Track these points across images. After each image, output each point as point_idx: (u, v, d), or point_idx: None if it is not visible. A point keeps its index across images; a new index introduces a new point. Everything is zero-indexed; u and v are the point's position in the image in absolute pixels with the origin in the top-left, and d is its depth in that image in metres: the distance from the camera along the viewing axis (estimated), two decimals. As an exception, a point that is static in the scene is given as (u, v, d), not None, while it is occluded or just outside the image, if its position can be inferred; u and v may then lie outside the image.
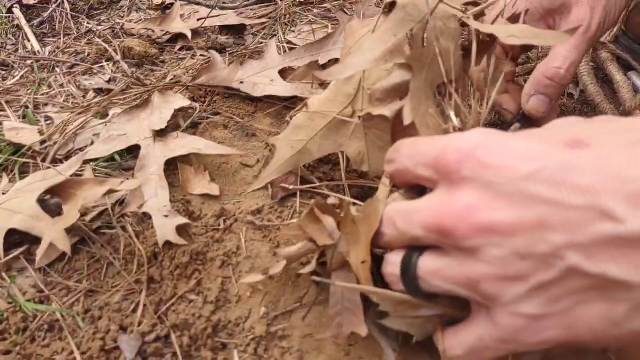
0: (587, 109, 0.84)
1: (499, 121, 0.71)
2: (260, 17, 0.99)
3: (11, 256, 0.58)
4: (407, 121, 0.48)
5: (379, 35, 0.49)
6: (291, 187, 0.64)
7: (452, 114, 0.45)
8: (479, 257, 0.34)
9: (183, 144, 0.69)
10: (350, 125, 0.59)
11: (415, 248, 0.40)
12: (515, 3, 0.66)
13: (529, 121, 0.67)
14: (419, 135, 0.48)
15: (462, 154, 0.36)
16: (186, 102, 0.73)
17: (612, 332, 0.32)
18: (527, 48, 0.74)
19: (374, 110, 0.54)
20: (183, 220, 0.60)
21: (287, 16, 0.99)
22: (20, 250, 0.59)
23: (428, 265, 0.39)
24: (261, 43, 0.91)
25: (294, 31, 0.95)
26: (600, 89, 0.83)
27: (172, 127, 0.74)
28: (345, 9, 1.01)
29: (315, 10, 1.01)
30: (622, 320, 0.31)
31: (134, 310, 0.55)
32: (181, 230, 0.60)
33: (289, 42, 0.91)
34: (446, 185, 0.38)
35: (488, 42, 0.54)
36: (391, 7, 0.50)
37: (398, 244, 0.42)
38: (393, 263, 0.42)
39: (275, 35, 0.95)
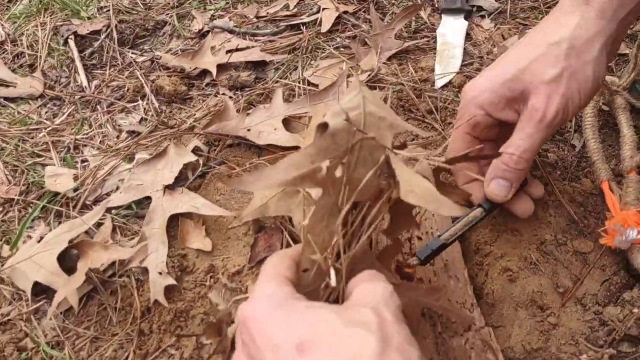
0: (585, 163, 0.84)
1: (467, 203, 0.73)
2: (284, 47, 1.04)
3: (38, 304, 0.72)
4: (304, 228, 0.52)
5: (297, 158, 0.50)
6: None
7: (332, 273, 0.50)
8: None
9: (185, 200, 0.78)
10: (299, 194, 0.66)
11: None
12: (481, 94, 0.68)
13: (492, 205, 0.70)
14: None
15: (241, 320, 0.44)
16: (193, 158, 0.82)
17: None
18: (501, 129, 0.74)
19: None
20: (171, 281, 0.71)
21: (309, 48, 1.03)
22: (44, 297, 0.72)
23: None
24: (277, 82, 0.97)
25: (312, 65, 1.00)
26: (600, 145, 0.82)
27: (183, 177, 0.83)
28: (367, 39, 1.04)
29: (338, 39, 1.05)
30: None
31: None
32: (172, 287, 0.71)
33: (303, 81, 0.97)
34: None
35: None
36: (323, 129, 0.51)
37: None
38: None
39: (296, 68, 1.00)
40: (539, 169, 0.82)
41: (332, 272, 0.50)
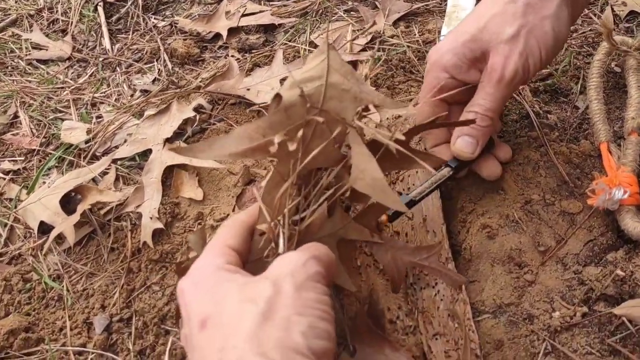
0: (586, 125, 0.81)
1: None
2: (296, 12, 1.06)
3: (43, 239, 0.79)
4: (258, 197, 0.51)
5: (249, 130, 0.49)
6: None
7: (280, 240, 0.50)
8: None
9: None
10: None
11: None
12: (443, 56, 0.67)
13: (460, 163, 0.70)
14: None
15: (177, 291, 0.48)
16: (192, 114, 0.86)
17: None
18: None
19: None
20: (159, 225, 0.75)
21: (320, 11, 1.05)
22: (49, 235, 0.79)
23: None
24: (284, 45, 0.99)
25: (320, 29, 1.01)
26: (603, 107, 0.79)
27: (184, 132, 0.88)
28: (377, 2, 1.04)
29: (349, 3, 1.06)
30: None
31: (114, 294, 0.72)
32: (161, 231, 0.76)
33: (310, 44, 0.98)
34: None
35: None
36: (277, 101, 0.49)
37: None
38: None
39: (304, 32, 1.02)
40: (535, 130, 0.81)
41: (281, 239, 0.50)
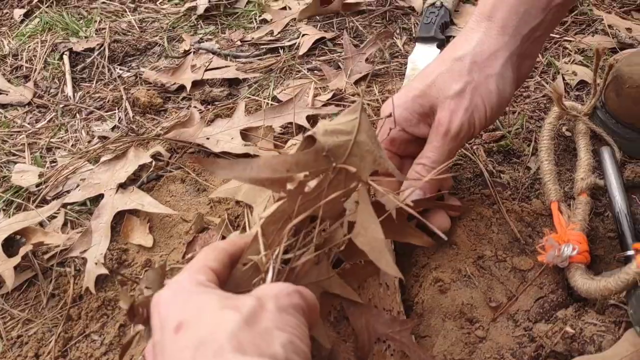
0: (537, 185, 0.83)
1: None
2: (261, 69, 1.08)
3: (-21, 284, 0.75)
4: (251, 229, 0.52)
5: (275, 162, 0.51)
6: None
7: (270, 272, 0.50)
8: None
9: (134, 198, 0.81)
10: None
11: None
12: (393, 112, 0.68)
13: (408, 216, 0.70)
14: None
15: (152, 305, 0.46)
16: (148, 160, 0.86)
17: None
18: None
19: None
20: (103, 271, 0.73)
21: (284, 69, 1.07)
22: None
23: None
24: (247, 98, 1.01)
25: (283, 85, 1.03)
26: (553, 167, 0.81)
27: (137, 179, 0.87)
28: (340, 62, 1.07)
29: (313, 62, 1.08)
30: None
31: (49, 342, 0.68)
32: (106, 277, 0.73)
33: (273, 99, 1.00)
34: None
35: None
36: (309, 142, 0.51)
37: None
38: None
39: (268, 87, 1.04)
40: (489, 188, 0.82)
41: (270, 272, 0.50)
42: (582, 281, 0.68)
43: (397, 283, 0.71)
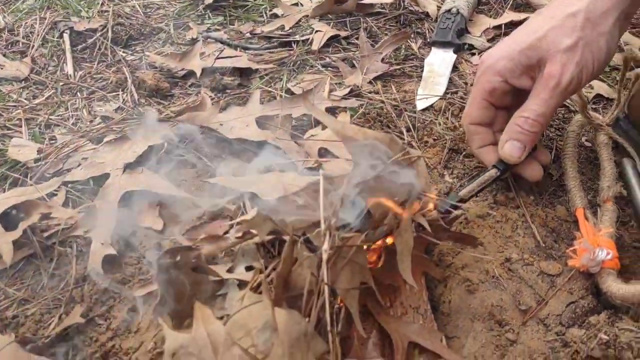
0: (561, 192, 0.81)
1: (479, 166, 0.77)
2: (273, 61, 1.05)
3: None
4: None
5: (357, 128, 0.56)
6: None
7: None
8: None
9: (142, 179, 0.76)
10: None
11: None
12: (498, 62, 0.71)
13: (506, 166, 0.72)
14: None
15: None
16: (159, 141, 0.80)
17: None
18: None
19: None
20: (111, 251, 0.67)
21: (297, 62, 1.04)
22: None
23: None
24: (259, 89, 0.97)
25: (297, 79, 1.00)
26: (577, 174, 0.80)
27: (148, 159, 0.81)
28: (355, 61, 1.04)
29: (327, 59, 1.05)
30: None
31: (49, 324, 0.62)
32: (113, 259, 0.68)
33: (287, 91, 0.96)
34: None
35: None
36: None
37: None
38: None
39: (280, 80, 1.00)
40: (512, 191, 0.80)
41: None
42: (617, 286, 0.66)
43: (423, 281, 0.68)
